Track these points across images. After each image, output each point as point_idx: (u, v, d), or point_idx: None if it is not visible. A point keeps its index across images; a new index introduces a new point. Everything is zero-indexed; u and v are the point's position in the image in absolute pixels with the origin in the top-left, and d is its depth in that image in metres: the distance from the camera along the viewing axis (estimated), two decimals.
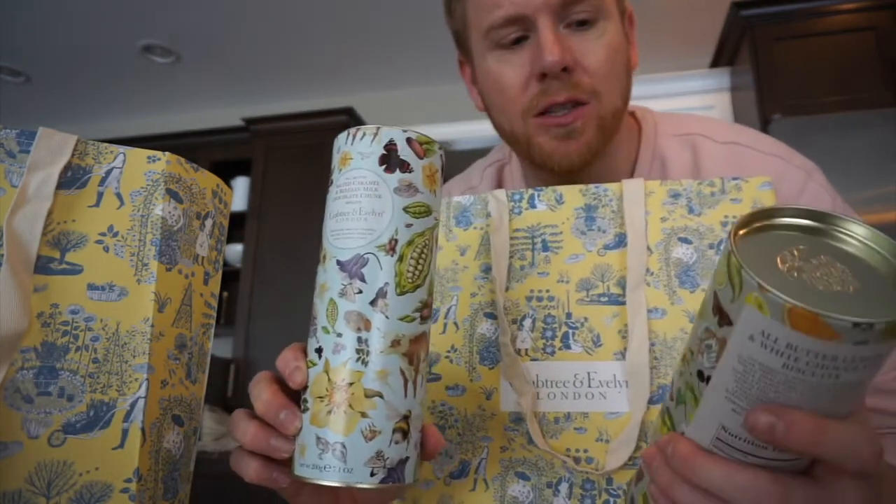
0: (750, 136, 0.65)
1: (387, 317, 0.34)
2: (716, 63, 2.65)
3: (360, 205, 0.34)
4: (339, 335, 0.34)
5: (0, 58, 2.83)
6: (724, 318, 0.27)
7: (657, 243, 0.50)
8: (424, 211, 0.35)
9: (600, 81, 0.59)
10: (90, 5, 2.47)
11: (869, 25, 2.17)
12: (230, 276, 2.79)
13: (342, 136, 0.37)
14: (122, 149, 0.41)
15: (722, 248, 0.28)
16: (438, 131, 3.08)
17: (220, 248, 0.47)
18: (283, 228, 2.79)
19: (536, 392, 0.48)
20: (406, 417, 0.34)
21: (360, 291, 0.34)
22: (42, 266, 0.37)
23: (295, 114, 2.92)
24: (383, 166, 0.35)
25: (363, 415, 0.33)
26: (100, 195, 0.40)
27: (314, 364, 0.35)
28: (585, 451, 0.47)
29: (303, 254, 2.72)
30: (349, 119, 2.85)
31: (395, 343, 0.34)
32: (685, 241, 0.50)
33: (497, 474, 0.48)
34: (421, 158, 0.35)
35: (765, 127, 2.11)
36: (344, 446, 0.33)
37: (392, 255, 0.34)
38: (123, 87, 3.12)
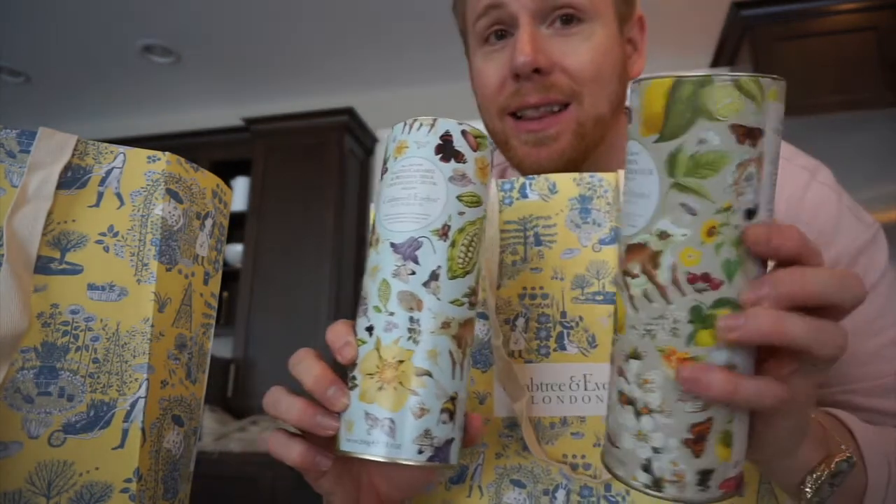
0: None
1: (438, 298, 0.34)
2: (716, 63, 2.65)
3: (415, 191, 0.35)
4: (392, 314, 0.34)
5: (0, 58, 2.83)
6: (754, 135, 0.29)
7: None
8: (476, 201, 0.36)
9: (581, 84, 0.57)
10: (90, 5, 2.47)
11: (869, 25, 2.17)
12: (230, 276, 2.79)
13: (398, 126, 0.38)
14: (122, 149, 0.41)
15: (711, 93, 0.28)
16: None
17: (220, 248, 0.47)
18: (283, 228, 2.79)
19: (531, 396, 0.47)
20: (453, 399, 0.34)
21: (413, 273, 0.34)
22: (42, 266, 0.37)
23: (295, 114, 2.92)
24: (439, 155, 0.36)
25: (413, 392, 0.33)
26: (100, 195, 0.40)
27: (364, 342, 0.35)
28: (583, 456, 0.46)
29: (303, 254, 2.72)
30: (349, 119, 2.85)
31: (446, 325, 0.34)
32: None
33: (492, 481, 0.46)
34: (474, 151, 0.36)
35: None
36: (393, 422, 0.33)
37: (445, 240, 0.35)
38: (123, 87, 3.12)
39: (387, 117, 3.13)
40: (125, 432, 0.36)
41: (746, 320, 0.28)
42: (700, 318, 0.29)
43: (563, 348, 0.47)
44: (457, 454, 0.35)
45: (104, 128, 3.43)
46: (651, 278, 0.30)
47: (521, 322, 0.48)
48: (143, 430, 0.37)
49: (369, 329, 0.35)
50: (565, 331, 0.48)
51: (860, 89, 2.11)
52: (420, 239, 0.35)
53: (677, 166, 0.29)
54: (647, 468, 0.31)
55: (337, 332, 0.36)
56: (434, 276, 0.34)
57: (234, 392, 2.65)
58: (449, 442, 0.34)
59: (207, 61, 2.91)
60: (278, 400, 0.37)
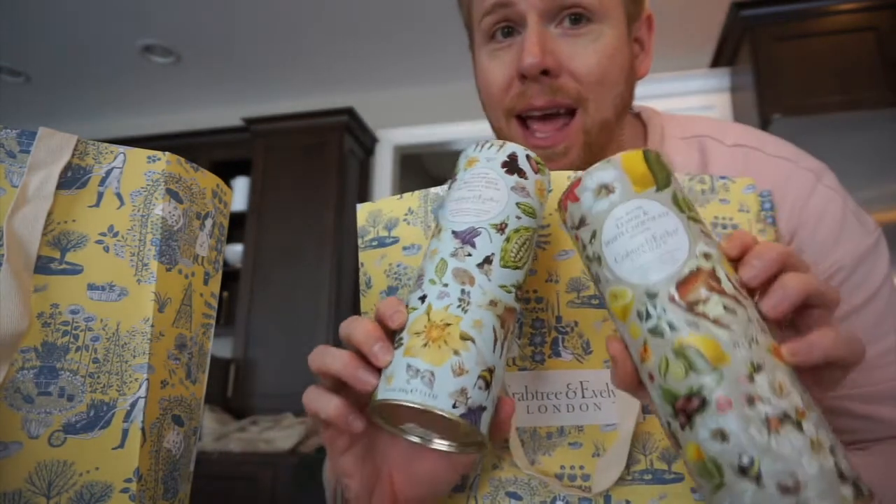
0: (758, 138, 0.63)
1: (489, 279, 0.37)
2: (716, 63, 2.65)
3: (480, 192, 0.39)
4: (445, 285, 0.37)
5: (0, 58, 2.83)
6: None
7: None
8: (531, 212, 0.40)
9: (588, 88, 0.57)
10: (90, 5, 2.47)
11: (869, 25, 2.17)
12: (230, 276, 2.78)
13: (471, 146, 0.42)
14: (122, 149, 0.41)
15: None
16: (438, 131, 3.08)
17: (220, 248, 0.46)
18: (283, 228, 2.79)
19: (526, 406, 0.45)
20: (491, 371, 0.36)
21: (470, 255, 0.37)
22: (42, 266, 0.37)
23: (295, 114, 2.92)
24: (504, 169, 0.40)
25: (455, 352, 0.35)
26: (100, 195, 0.40)
27: (415, 309, 0.37)
28: (581, 467, 0.44)
29: (303, 254, 2.72)
30: (349, 119, 2.85)
31: (493, 303, 0.37)
32: None
33: (487, 493, 0.45)
34: (535, 173, 0.41)
35: (765, 127, 2.11)
36: (433, 374, 0.34)
37: (501, 234, 0.38)
38: (123, 87, 3.12)
39: (387, 117, 3.13)
40: (125, 432, 0.36)
41: (809, 347, 0.32)
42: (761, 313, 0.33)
43: (557, 355, 0.46)
44: (487, 424, 0.36)
45: (104, 128, 3.43)
46: (721, 293, 0.32)
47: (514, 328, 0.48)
48: (143, 430, 0.37)
49: (422, 298, 0.37)
50: (560, 336, 0.46)
51: (860, 89, 2.11)
52: (479, 228, 0.38)
53: (682, 204, 0.35)
54: (847, 478, 0.29)
55: (388, 303, 0.38)
56: (488, 260, 0.37)
57: (234, 392, 2.65)
58: (482, 409, 0.35)
59: (207, 61, 2.91)
60: (325, 352, 0.39)
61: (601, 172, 0.36)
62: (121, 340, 0.37)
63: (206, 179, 0.44)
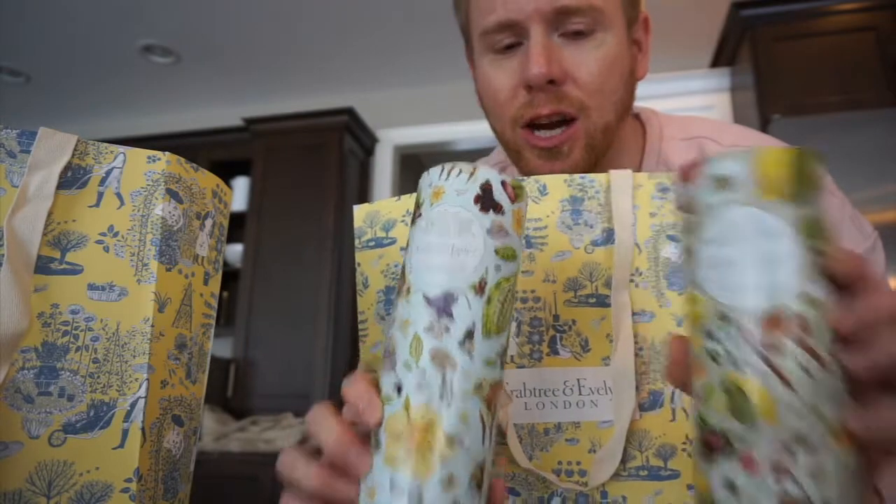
0: (755, 139, 0.64)
1: (472, 358, 0.33)
2: (716, 63, 2.65)
3: (451, 240, 0.34)
4: (423, 372, 0.32)
5: (0, 58, 2.83)
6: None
7: (646, 241, 0.47)
8: (512, 255, 0.35)
9: (590, 95, 0.58)
10: (90, 5, 2.47)
11: (869, 25, 2.17)
12: (230, 276, 2.78)
13: (435, 171, 0.36)
14: (122, 149, 0.41)
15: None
16: (438, 131, 3.08)
17: (220, 248, 0.47)
18: (283, 228, 2.79)
19: (524, 402, 0.46)
20: (481, 467, 0.33)
21: (448, 329, 0.33)
22: (42, 266, 0.37)
23: (295, 114, 2.92)
24: (478, 205, 0.34)
25: (443, 460, 0.31)
26: (100, 195, 0.40)
27: (391, 401, 0.33)
28: (578, 463, 0.45)
29: (303, 254, 2.72)
30: (349, 119, 2.85)
31: (478, 387, 0.33)
32: (674, 238, 0.47)
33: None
34: (512, 202, 0.35)
35: (765, 127, 2.11)
36: (420, 493, 0.31)
37: (481, 296, 0.33)
38: (123, 87, 3.12)
39: (387, 117, 3.13)
40: (125, 432, 0.36)
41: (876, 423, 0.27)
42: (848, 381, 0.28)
43: (555, 353, 0.46)
44: None
45: (104, 128, 3.43)
46: (807, 350, 0.27)
47: (512, 326, 0.48)
48: (143, 430, 0.37)
49: (398, 388, 0.33)
50: (558, 335, 0.47)
51: (860, 89, 2.11)
52: (456, 293, 0.33)
53: (810, 230, 0.28)
54: None
55: (359, 392, 0.34)
56: (469, 334, 0.33)
57: (234, 392, 2.65)
58: None
59: (207, 61, 2.91)
60: (293, 465, 0.35)
61: (729, 162, 0.30)
62: (121, 340, 0.37)
63: (206, 179, 0.44)
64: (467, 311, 0.33)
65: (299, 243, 2.74)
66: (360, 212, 0.51)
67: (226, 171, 2.98)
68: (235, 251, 2.84)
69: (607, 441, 0.44)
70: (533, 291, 0.48)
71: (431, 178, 0.36)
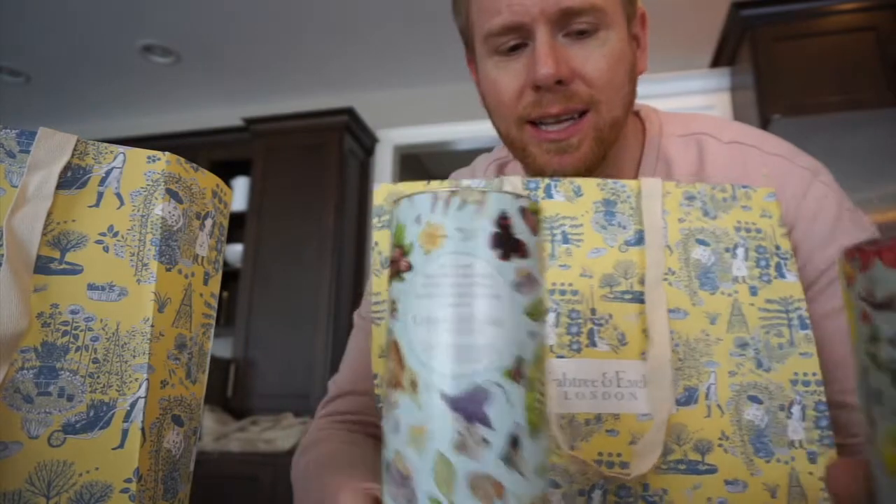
0: (755, 136, 0.64)
1: (523, 474, 0.24)
2: (716, 63, 2.65)
3: (469, 309, 0.24)
4: None
5: (0, 58, 2.83)
6: None
7: (676, 243, 0.50)
8: (544, 311, 0.27)
9: (599, 91, 0.59)
10: (90, 5, 2.47)
11: (869, 25, 2.17)
12: (230, 276, 2.79)
13: (423, 200, 0.26)
14: (121, 149, 0.41)
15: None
16: (438, 131, 3.08)
17: (220, 248, 0.46)
18: (283, 228, 2.79)
19: (564, 392, 0.47)
20: None
21: (486, 441, 0.24)
22: (42, 266, 0.37)
23: (295, 114, 2.92)
24: (496, 251, 0.25)
25: None
26: (100, 195, 0.40)
27: None
28: (619, 454, 0.45)
29: (303, 254, 2.72)
30: (349, 119, 2.85)
31: None
32: (702, 242, 0.50)
33: None
34: (535, 235, 0.27)
35: (765, 127, 2.11)
36: None
37: (519, 383, 0.25)
38: (123, 87, 3.12)
39: (387, 117, 3.13)
40: (125, 432, 0.36)
41: None
42: None
43: (594, 345, 0.48)
44: None
45: (104, 128, 3.43)
46: None
47: (552, 317, 0.49)
48: (142, 430, 0.37)
49: None
50: (596, 327, 0.48)
51: (860, 89, 2.11)
52: (487, 387, 0.24)
53: None
54: None
55: None
56: (514, 441, 0.24)
57: (234, 392, 2.65)
58: None
59: (207, 61, 2.91)
60: None
61: None
62: (120, 340, 0.37)
63: (206, 179, 0.44)
64: (507, 410, 0.24)
65: (299, 243, 2.74)
66: (381, 190, 0.52)
67: (226, 171, 2.98)
68: (235, 251, 2.84)
69: (646, 433, 0.45)
70: (570, 284, 0.49)
71: (418, 208, 0.26)
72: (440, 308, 0.25)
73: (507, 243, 0.25)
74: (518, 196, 0.26)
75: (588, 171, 0.60)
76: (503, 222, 0.25)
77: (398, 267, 0.26)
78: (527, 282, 0.25)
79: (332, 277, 2.68)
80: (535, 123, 0.60)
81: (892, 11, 2.16)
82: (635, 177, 0.66)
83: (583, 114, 0.59)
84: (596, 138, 0.60)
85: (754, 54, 2.24)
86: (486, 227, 0.25)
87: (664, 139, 0.67)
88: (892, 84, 2.09)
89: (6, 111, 3.28)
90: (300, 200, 2.79)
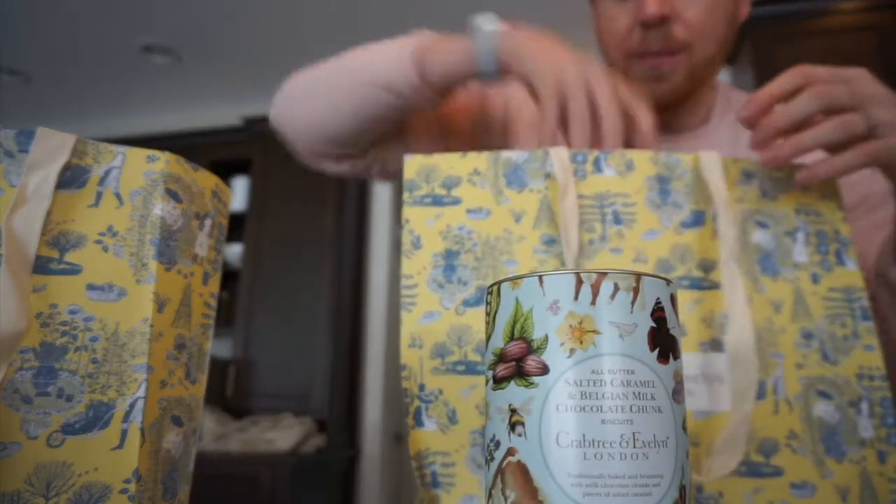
0: None
1: None
2: None
3: (629, 430, 0.19)
4: None
5: (0, 58, 2.82)
6: None
7: (735, 225, 0.47)
8: (686, 421, 0.22)
9: (695, 34, 0.67)
10: (90, 5, 2.47)
11: (870, 25, 2.17)
12: (230, 276, 2.79)
13: (564, 283, 0.21)
14: (121, 148, 0.41)
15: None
16: None
17: (219, 248, 0.46)
18: (283, 228, 2.79)
19: None
20: None
21: None
22: (41, 266, 0.37)
23: None
24: (655, 351, 0.21)
25: None
26: (99, 195, 0.39)
27: None
28: None
29: (303, 254, 2.72)
30: None
31: None
32: (762, 224, 0.47)
33: None
34: (679, 323, 0.23)
35: None
36: None
37: None
38: (123, 86, 3.12)
39: None
40: (124, 433, 0.36)
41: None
42: None
43: None
44: None
45: (104, 128, 3.43)
46: None
47: None
48: (142, 430, 0.37)
49: None
50: None
51: None
52: None
53: None
54: None
55: None
56: None
57: (233, 392, 2.65)
58: None
59: (207, 61, 2.91)
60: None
61: None
62: (120, 341, 0.37)
63: (206, 179, 0.44)
64: None
65: (299, 243, 2.74)
66: (412, 164, 0.48)
67: (226, 171, 2.98)
68: (235, 251, 2.84)
69: (706, 432, 0.42)
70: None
71: (556, 292, 0.20)
72: (602, 427, 0.19)
73: (664, 341, 0.21)
74: (668, 281, 0.22)
75: (678, 101, 0.71)
76: (659, 314, 0.21)
77: (525, 368, 0.21)
78: (681, 388, 0.21)
79: (332, 277, 2.68)
80: (637, 57, 0.69)
81: (894, 11, 2.15)
82: (708, 117, 0.75)
83: (679, 52, 0.68)
84: (689, 73, 0.69)
85: (754, 54, 2.24)
86: (643, 322, 0.20)
87: (734, 93, 0.78)
88: (892, 84, 2.09)
89: (6, 111, 3.28)
90: (300, 200, 2.79)
